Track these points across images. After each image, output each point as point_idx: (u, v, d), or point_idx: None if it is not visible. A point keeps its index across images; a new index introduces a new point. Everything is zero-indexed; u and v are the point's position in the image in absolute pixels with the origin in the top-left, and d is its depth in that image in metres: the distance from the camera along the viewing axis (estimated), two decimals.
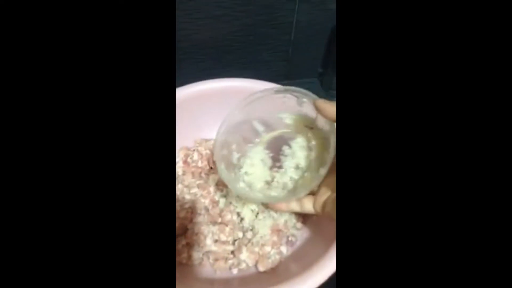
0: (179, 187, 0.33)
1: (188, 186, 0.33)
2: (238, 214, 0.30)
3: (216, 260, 0.28)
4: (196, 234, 0.29)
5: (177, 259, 0.28)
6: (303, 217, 0.31)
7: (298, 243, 0.30)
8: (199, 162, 0.36)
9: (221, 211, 0.30)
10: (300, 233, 0.30)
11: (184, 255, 0.28)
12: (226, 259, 0.28)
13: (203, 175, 0.35)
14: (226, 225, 0.29)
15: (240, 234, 0.29)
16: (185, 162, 0.36)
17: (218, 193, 0.32)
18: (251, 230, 0.29)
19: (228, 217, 0.29)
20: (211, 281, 0.27)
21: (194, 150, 0.37)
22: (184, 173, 0.35)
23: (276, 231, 0.29)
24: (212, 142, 0.38)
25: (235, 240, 0.29)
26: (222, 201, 0.31)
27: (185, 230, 0.30)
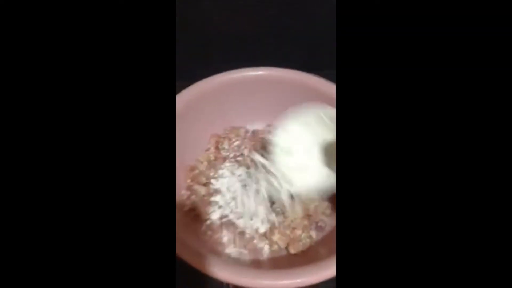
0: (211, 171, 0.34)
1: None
2: (271, 200, 0.31)
3: (249, 240, 0.29)
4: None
5: (213, 238, 0.29)
6: (333, 204, 0.32)
7: (327, 229, 0.31)
8: (230, 150, 0.37)
9: (254, 193, 0.31)
10: (330, 219, 0.31)
11: (219, 234, 0.29)
12: (259, 240, 0.29)
13: (233, 162, 0.36)
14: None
15: (272, 217, 0.30)
16: (216, 148, 0.37)
17: (249, 179, 0.33)
18: (282, 213, 0.30)
19: None
20: (243, 261, 0.29)
21: (224, 137, 0.38)
22: (215, 159, 0.36)
23: (307, 215, 0.30)
24: (241, 130, 0.39)
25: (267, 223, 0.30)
26: (253, 186, 0.32)
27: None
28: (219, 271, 0.23)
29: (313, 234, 0.30)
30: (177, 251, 0.24)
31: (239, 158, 0.36)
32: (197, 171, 0.34)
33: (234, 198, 0.31)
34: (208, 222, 0.31)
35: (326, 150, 0.29)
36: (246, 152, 0.37)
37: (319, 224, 0.31)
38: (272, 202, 0.31)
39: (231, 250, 0.29)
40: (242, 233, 0.30)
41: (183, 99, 0.34)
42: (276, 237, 0.29)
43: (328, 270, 0.23)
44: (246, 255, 0.29)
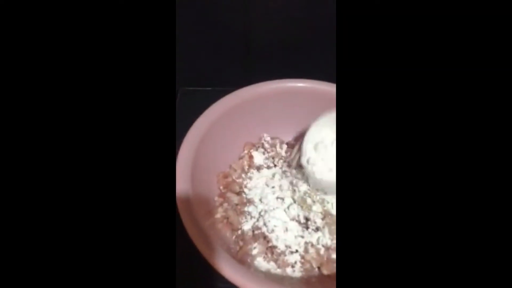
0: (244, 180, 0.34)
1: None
2: (305, 216, 0.30)
3: (280, 255, 0.28)
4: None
5: (243, 248, 0.29)
6: None
7: None
8: (264, 160, 0.36)
9: (288, 207, 0.30)
10: None
11: (249, 246, 0.29)
12: (290, 256, 0.28)
13: (267, 173, 0.36)
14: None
15: (306, 234, 0.29)
16: (250, 157, 0.37)
17: (283, 191, 0.32)
18: (316, 232, 0.29)
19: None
20: (273, 275, 0.28)
21: (258, 146, 0.37)
22: (249, 167, 0.36)
23: None
24: (276, 140, 0.38)
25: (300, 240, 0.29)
26: (287, 200, 0.31)
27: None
28: (249, 283, 0.22)
29: None
30: (204, 253, 0.23)
31: (272, 170, 0.36)
32: (230, 179, 0.34)
33: (267, 211, 0.31)
34: (239, 232, 0.30)
35: None
36: (280, 164, 0.36)
37: None
38: (306, 219, 0.30)
39: (260, 262, 0.28)
40: (273, 247, 0.29)
41: (221, 105, 0.34)
42: (309, 256, 0.28)
43: None
44: (275, 269, 0.28)
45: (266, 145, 0.37)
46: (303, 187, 0.32)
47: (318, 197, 0.31)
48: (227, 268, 0.23)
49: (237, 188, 0.33)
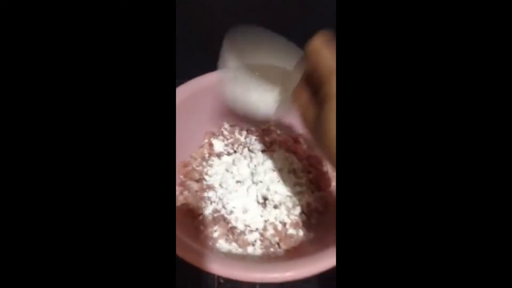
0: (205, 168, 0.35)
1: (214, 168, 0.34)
2: (263, 196, 0.31)
3: (240, 235, 0.29)
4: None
5: (204, 232, 0.29)
6: (325, 202, 0.32)
7: (319, 227, 0.31)
8: (224, 147, 0.37)
9: (247, 189, 0.32)
10: (322, 218, 0.32)
11: (211, 229, 0.30)
12: (250, 235, 0.30)
13: (227, 159, 0.36)
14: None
15: (265, 213, 0.30)
16: (210, 145, 0.37)
17: (243, 175, 0.33)
18: (274, 210, 0.31)
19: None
20: (234, 255, 0.29)
21: (219, 135, 0.38)
22: (209, 155, 0.36)
23: (299, 213, 0.30)
24: (236, 128, 0.39)
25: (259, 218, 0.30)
26: (247, 182, 0.32)
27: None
28: (209, 264, 0.23)
29: (305, 231, 0.30)
30: None
31: (232, 156, 0.37)
32: (190, 167, 0.34)
33: (226, 194, 0.31)
34: (200, 217, 0.31)
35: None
36: (240, 150, 0.37)
37: (311, 221, 0.31)
38: (265, 198, 0.31)
39: (221, 244, 0.29)
40: (233, 228, 0.30)
41: (179, 94, 0.35)
42: (268, 233, 0.29)
43: (317, 265, 0.23)
44: (236, 249, 0.29)
45: (225, 132, 0.38)
46: (262, 168, 0.33)
47: (276, 176, 0.32)
48: (189, 254, 0.23)
49: (196, 176, 0.33)
